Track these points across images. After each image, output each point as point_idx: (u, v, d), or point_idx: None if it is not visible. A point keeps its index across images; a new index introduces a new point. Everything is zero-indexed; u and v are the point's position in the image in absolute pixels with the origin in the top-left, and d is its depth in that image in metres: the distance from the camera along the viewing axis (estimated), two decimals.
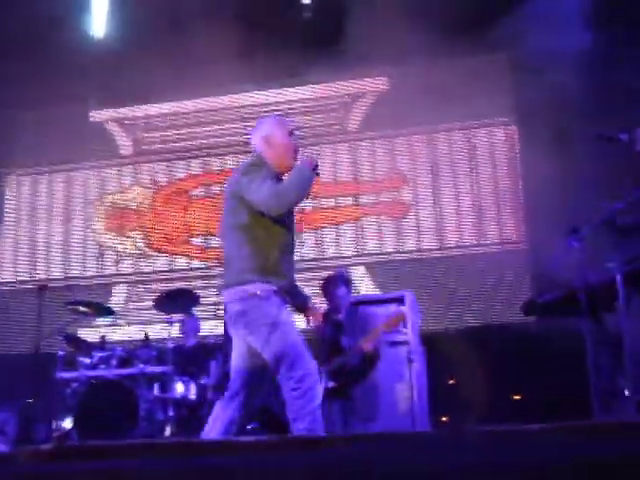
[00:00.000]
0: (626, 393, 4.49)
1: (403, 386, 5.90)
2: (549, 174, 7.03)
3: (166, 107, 9.23)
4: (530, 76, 7.61)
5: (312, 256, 8.54)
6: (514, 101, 8.26)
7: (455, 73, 8.12)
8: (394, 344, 5.99)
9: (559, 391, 6.28)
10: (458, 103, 7.97)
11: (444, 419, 6.97)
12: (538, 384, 6.90)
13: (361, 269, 8.37)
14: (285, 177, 4.07)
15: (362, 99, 8.81)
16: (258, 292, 3.86)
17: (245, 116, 9.01)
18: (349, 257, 8.51)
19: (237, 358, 4.05)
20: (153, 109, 9.28)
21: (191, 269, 8.84)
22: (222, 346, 6.61)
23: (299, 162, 4.07)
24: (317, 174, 3.96)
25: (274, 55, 8.00)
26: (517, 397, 7.37)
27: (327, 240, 8.63)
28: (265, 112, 8.81)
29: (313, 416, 3.76)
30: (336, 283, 6.38)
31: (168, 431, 6.24)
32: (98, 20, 8.53)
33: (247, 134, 8.57)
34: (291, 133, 4.16)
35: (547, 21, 7.04)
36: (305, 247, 8.54)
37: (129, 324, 8.42)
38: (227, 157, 9.03)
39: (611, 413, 4.38)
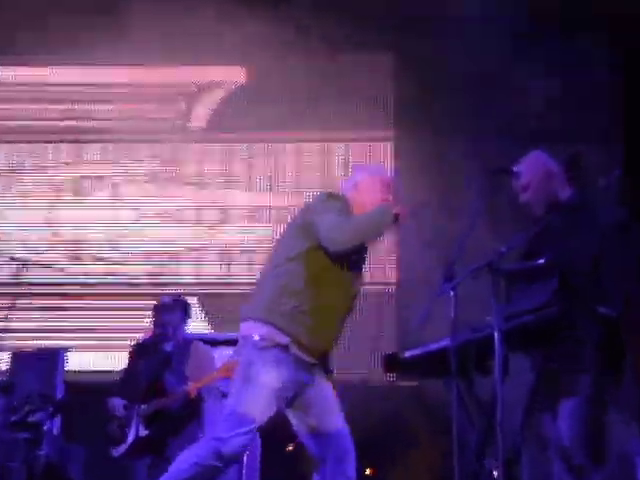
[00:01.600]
0: (494, 475, 3.83)
1: None
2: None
3: None
4: (414, 85, 7.06)
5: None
6: (393, 112, 7.55)
7: (328, 72, 7.36)
8: (227, 395, 5.17)
9: (419, 466, 5.74)
10: (328, 108, 7.26)
11: None
12: (395, 457, 6.23)
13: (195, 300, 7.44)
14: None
15: (210, 92, 7.86)
16: (263, 338, 3.61)
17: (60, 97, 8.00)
18: (188, 284, 7.67)
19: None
20: None
21: None
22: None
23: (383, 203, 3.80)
24: (396, 221, 3.66)
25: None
26: (369, 472, 6.61)
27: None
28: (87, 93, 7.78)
29: (193, 472, 3.56)
30: (171, 308, 5.58)
31: None
32: None
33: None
34: (384, 188, 3.94)
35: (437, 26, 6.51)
36: None
37: None
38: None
39: None
